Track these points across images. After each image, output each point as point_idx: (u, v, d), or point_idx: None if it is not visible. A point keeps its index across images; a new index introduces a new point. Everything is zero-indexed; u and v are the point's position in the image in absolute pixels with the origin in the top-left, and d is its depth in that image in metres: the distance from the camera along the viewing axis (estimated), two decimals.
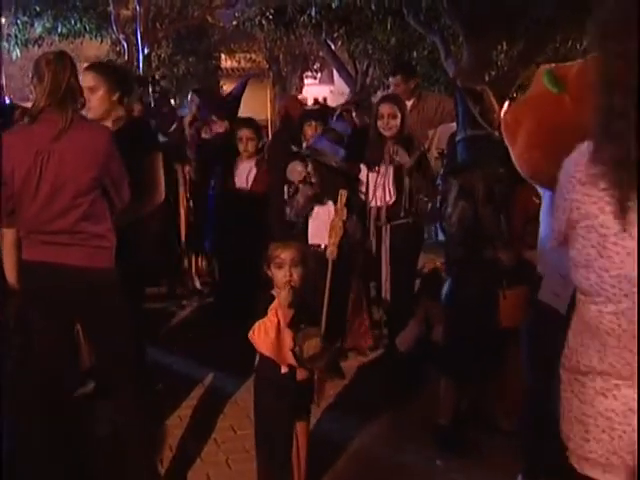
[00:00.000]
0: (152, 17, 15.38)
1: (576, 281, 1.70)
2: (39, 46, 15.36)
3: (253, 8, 10.44)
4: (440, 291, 3.42)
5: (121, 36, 15.25)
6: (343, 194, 3.73)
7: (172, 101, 12.05)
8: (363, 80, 15.41)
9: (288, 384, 2.56)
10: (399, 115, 4.01)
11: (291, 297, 2.46)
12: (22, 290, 2.68)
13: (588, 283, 1.64)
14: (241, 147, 4.99)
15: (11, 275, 2.74)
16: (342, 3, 8.87)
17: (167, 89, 13.97)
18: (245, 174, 5.01)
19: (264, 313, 2.46)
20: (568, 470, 1.80)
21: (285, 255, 2.51)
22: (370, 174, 4.09)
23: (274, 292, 2.54)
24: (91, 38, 15.85)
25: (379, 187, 4.05)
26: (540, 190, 2.44)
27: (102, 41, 16.23)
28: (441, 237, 4.24)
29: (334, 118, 4.54)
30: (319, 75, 23.00)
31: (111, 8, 14.67)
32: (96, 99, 3.12)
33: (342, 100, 12.25)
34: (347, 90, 15.46)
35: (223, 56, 20.32)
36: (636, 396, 1.63)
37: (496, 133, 3.06)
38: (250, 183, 4.99)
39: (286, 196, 4.20)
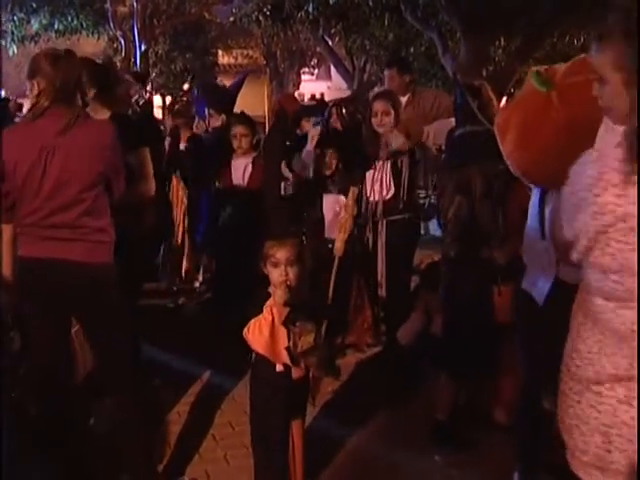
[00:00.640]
0: (149, 13, 15.38)
1: (604, 288, 1.61)
2: (35, 43, 15.38)
3: (250, 4, 10.42)
4: (439, 283, 3.43)
5: (118, 33, 15.25)
6: (354, 191, 3.71)
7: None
8: (360, 76, 15.42)
9: (283, 383, 2.54)
10: (392, 112, 4.00)
11: (286, 295, 2.44)
12: (19, 286, 2.67)
13: (623, 288, 1.57)
14: (235, 144, 4.96)
15: (8, 271, 2.73)
16: None
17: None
18: (241, 171, 4.97)
19: (260, 311, 2.45)
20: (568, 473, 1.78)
21: (280, 255, 2.48)
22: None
23: (270, 290, 2.52)
24: (88, 35, 15.87)
25: (377, 182, 4.04)
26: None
27: (99, 38, 16.25)
28: (438, 233, 4.23)
29: (325, 114, 4.50)
30: (316, 71, 23.01)
31: (108, 5, 14.68)
32: None
33: (339, 96, 12.25)
34: (344, 86, 15.46)
35: (220, 52, 20.32)
36: None
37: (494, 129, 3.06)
38: (246, 180, 4.96)
39: (282, 192, 4.18)
